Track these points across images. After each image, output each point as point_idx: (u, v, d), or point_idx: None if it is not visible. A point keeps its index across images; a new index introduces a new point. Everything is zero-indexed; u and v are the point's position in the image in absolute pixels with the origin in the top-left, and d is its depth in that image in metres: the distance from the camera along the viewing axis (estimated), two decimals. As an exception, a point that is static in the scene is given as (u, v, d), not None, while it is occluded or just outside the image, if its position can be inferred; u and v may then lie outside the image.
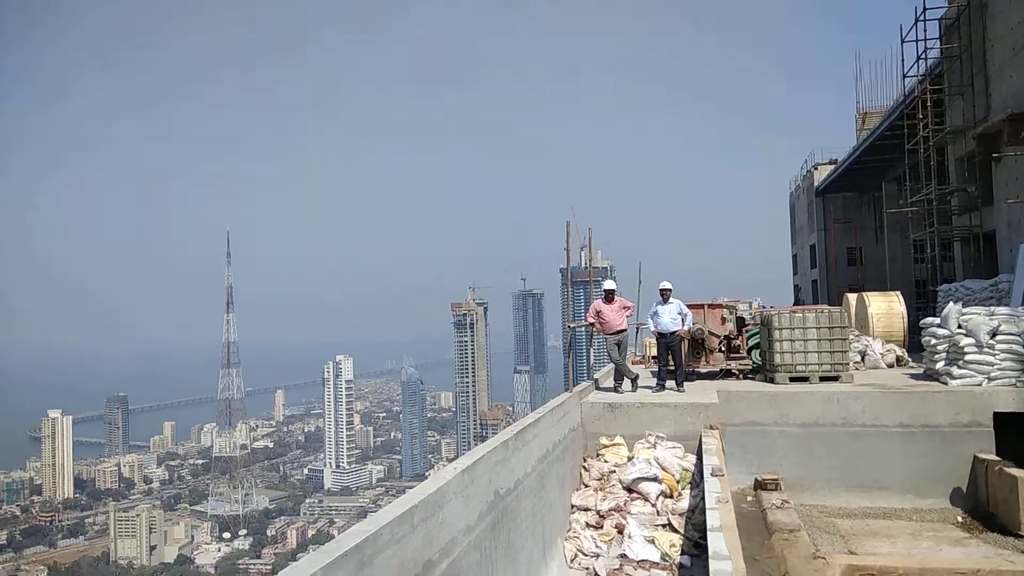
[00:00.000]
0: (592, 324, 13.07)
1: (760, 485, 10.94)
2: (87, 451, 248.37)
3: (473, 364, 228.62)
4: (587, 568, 8.48)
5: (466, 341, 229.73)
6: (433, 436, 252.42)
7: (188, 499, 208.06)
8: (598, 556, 8.67)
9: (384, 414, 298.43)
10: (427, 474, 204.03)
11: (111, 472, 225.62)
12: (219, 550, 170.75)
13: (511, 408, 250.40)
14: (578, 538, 8.95)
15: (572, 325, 13.56)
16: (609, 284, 13.11)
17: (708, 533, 5.85)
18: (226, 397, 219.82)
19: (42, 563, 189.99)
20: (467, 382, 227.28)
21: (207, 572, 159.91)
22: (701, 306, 15.05)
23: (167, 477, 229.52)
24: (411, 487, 5.44)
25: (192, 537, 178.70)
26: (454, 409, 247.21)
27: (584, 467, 10.68)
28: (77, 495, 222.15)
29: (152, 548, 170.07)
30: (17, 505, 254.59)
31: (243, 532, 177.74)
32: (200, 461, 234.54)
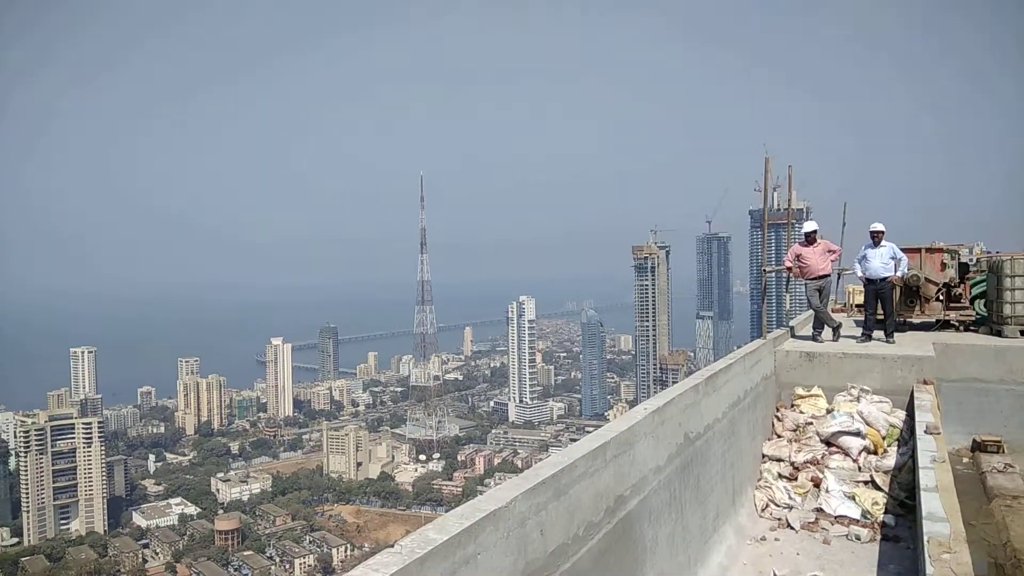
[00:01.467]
0: (790, 268, 12.33)
1: (979, 446, 9.90)
2: (304, 375, 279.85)
3: (654, 308, 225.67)
4: (779, 519, 8.24)
5: (647, 285, 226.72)
6: (612, 378, 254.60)
7: (389, 422, 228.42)
8: (791, 508, 8.38)
9: (564, 354, 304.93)
10: (606, 414, 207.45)
11: (324, 395, 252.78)
12: (416, 470, 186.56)
13: (692, 354, 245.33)
14: (770, 488, 8.68)
15: (767, 269, 12.88)
16: (810, 225, 12.25)
17: (921, 493, 5.43)
18: (421, 332, 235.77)
19: (267, 472, 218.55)
20: (647, 326, 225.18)
21: (405, 489, 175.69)
22: (917, 250, 13.57)
23: (371, 402, 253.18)
24: (591, 426, 5.56)
25: (392, 457, 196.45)
26: (633, 352, 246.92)
27: (777, 417, 10.26)
28: (295, 414, 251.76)
29: (358, 465, 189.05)
30: (247, 420, 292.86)
31: (436, 456, 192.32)
32: (399, 389, 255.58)
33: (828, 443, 9.40)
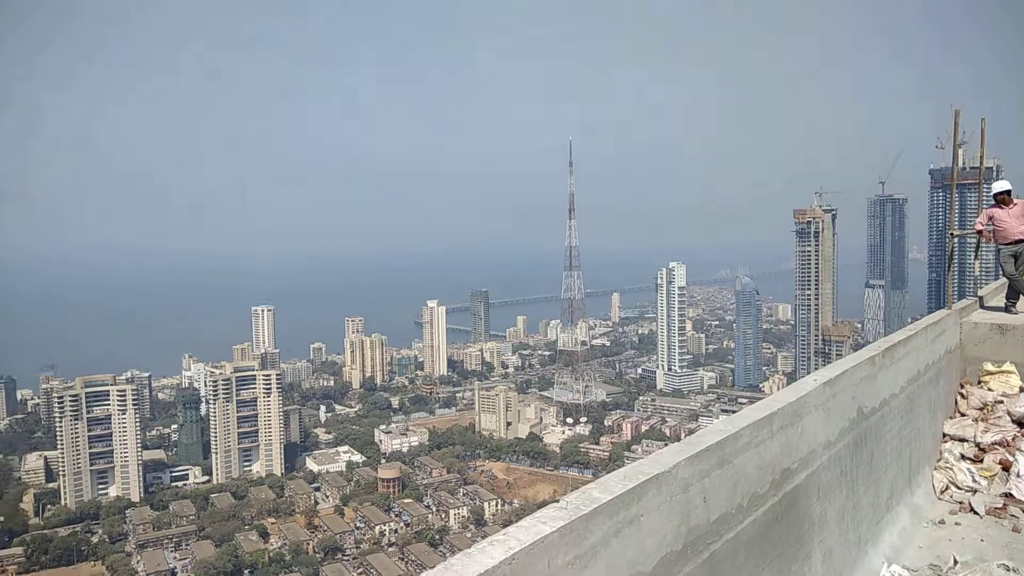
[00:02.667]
0: (980, 232, 11.17)
1: None
2: (457, 337, 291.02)
3: (816, 276, 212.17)
4: (960, 502, 7.62)
5: (809, 251, 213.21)
6: (768, 348, 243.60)
7: (537, 385, 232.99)
8: (975, 491, 7.72)
9: (716, 322, 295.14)
10: (761, 386, 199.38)
11: (475, 356, 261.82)
12: (563, 433, 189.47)
13: (859, 325, 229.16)
14: (951, 469, 8.04)
15: (955, 233, 11.74)
16: (1002, 185, 11.01)
17: None
18: (568, 297, 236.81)
19: (424, 426, 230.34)
20: (808, 295, 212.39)
21: (553, 450, 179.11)
22: None
23: (520, 364, 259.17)
24: (744, 397, 5.42)
25: (540, 419, 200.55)
26: (793, 322, 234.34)
27: (961, 394, 9.42)
28: (449, 373, 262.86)
29: (508, 424, 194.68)
30: (406, 377, 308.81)
31: (583, 419, 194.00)
32: (547, 352, 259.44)
33: (1021, 423, 8.53)
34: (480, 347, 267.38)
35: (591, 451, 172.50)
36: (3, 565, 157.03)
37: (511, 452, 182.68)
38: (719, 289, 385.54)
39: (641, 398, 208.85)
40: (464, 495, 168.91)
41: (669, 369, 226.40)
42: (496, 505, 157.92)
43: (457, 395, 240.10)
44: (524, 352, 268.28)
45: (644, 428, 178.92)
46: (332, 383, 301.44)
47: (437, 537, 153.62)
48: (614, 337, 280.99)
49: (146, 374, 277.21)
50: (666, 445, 4.83)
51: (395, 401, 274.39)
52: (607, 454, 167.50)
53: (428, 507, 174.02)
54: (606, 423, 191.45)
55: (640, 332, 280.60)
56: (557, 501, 3.01)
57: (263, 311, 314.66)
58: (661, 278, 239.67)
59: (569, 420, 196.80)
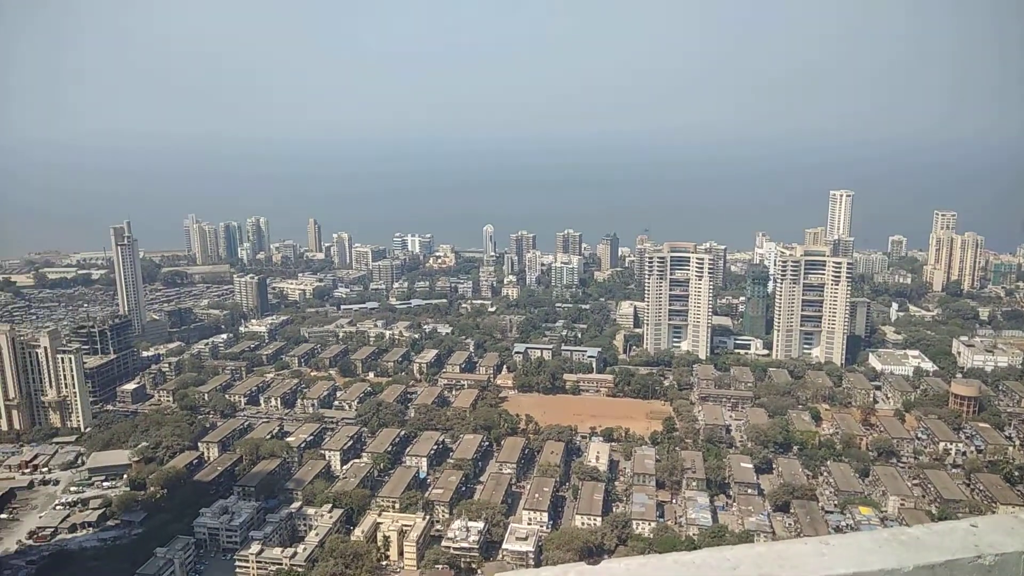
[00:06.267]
0: None
1: None
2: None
3: None
4: None
5: None
6: None
7: None
8: None
9: None
10: None
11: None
12: None
13: None
14: None
15: None
16: None
17: None
18: None
19: (1018, 347, 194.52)
20: None
21: None
22: None
23: None
24: None
25: None
26: None
27: None
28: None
29: None
30: (1002, 287, 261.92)
31: None
32: None
33: None
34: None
35: None
36: (599, 385, 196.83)
37: None
38: None
39: None
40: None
41: None
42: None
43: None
44: None
45: None
46: (909, 281, 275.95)
47: (1017, 474, 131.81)
48: None
49: (722, 246, 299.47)
50: None
51: (983, 312, 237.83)
52: None
53: (1009, 438, 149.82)
54: None
55: None
56: None
57: (841, 196, 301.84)
58: None
59: None
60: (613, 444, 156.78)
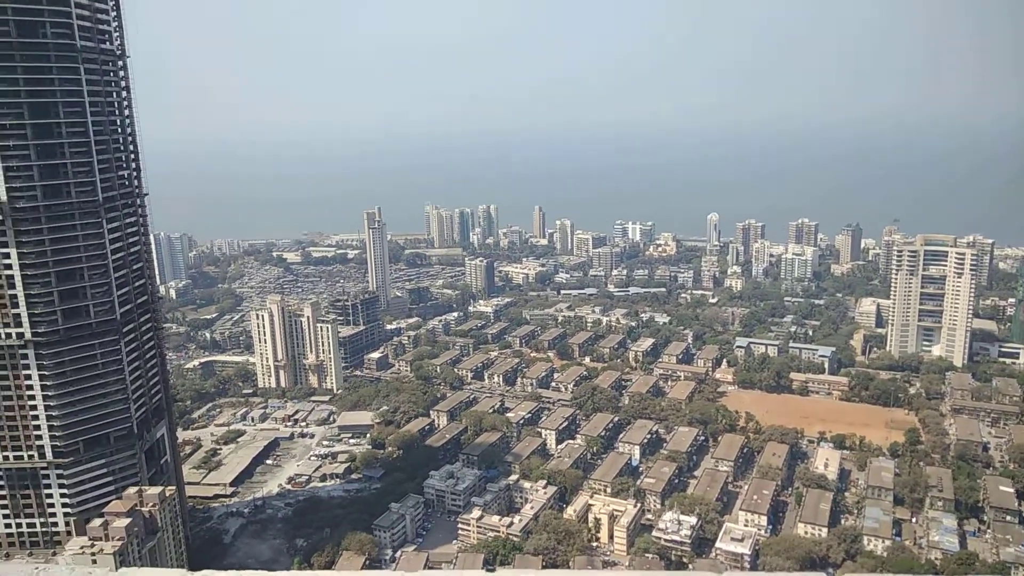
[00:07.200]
0: None
1: None
2: None
3: None
4: None
5: None
6: None
7: None
8: None
9: None
10: None
11: None
12: None
13: None
14: None
15: None
16: None
17: None
18: None
19: None
20: None
21: None
22: None
23: None
24: None
25: None
26: None
27: None
28: None
29: None
30: None
31: None
32: None
33: None
34: None
35: None
36: (831, 387, 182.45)
37: None
38: None
39: None
40: None
41: None
42: None
43: None
44: None
45: None
46: None
47: None
48: None
49: (989, 241, 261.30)
50: None
51: None
52: None
53: None
54: None
55: None
56: None
57: None
58: None
59: None
60: (844, 452, 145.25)
